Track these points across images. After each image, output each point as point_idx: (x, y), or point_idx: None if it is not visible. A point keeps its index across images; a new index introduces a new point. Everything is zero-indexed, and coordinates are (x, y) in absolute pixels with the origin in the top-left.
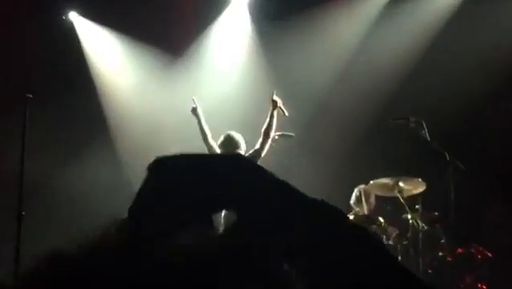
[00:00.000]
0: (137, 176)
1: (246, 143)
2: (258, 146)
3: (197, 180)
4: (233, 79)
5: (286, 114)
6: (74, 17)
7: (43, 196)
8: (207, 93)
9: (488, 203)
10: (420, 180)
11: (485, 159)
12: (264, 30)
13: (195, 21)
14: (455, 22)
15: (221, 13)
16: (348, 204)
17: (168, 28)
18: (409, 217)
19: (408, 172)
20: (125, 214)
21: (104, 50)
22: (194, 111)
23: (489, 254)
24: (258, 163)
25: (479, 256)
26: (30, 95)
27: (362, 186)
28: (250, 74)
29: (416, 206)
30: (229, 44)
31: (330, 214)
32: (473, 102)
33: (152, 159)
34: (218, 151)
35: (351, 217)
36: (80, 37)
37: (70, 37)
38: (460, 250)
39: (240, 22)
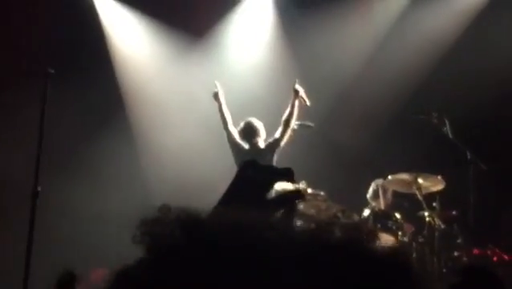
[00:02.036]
0: (151, 156)
1: (266, 131)
2: (277, 135)
3: None
4: (255, 66)
5: (308, 104)
6: None
7: (60, 173)
8: (227, 79)
9: (507, 205)
10: (439, 177)
11: (507, 159)
12: (287, 17)
13: (218, 3)
14: (486, 16)
15: None
16: (365, 198)
17: (189, 9)
18: (426, 214)
19: (428, 169)
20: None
21: (125, 29)
22: (216, 95)
23: (506, 257)
24: (277, 152)
25: (495, 258)
26: (52, 71)
27: (380, 181)
28: (272, 61)
29: (434, 204)
30: (251, 30)
31: None
32: (498, 100)
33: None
34: (238, 137)
35: (368, 211)
36: (100, 15)
37: (90, 14)
38: (476, 251)
39: (263, 7)
